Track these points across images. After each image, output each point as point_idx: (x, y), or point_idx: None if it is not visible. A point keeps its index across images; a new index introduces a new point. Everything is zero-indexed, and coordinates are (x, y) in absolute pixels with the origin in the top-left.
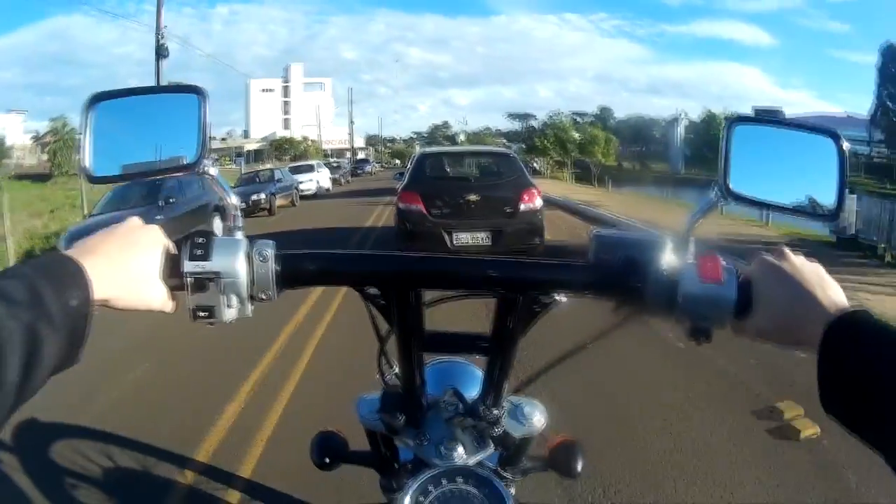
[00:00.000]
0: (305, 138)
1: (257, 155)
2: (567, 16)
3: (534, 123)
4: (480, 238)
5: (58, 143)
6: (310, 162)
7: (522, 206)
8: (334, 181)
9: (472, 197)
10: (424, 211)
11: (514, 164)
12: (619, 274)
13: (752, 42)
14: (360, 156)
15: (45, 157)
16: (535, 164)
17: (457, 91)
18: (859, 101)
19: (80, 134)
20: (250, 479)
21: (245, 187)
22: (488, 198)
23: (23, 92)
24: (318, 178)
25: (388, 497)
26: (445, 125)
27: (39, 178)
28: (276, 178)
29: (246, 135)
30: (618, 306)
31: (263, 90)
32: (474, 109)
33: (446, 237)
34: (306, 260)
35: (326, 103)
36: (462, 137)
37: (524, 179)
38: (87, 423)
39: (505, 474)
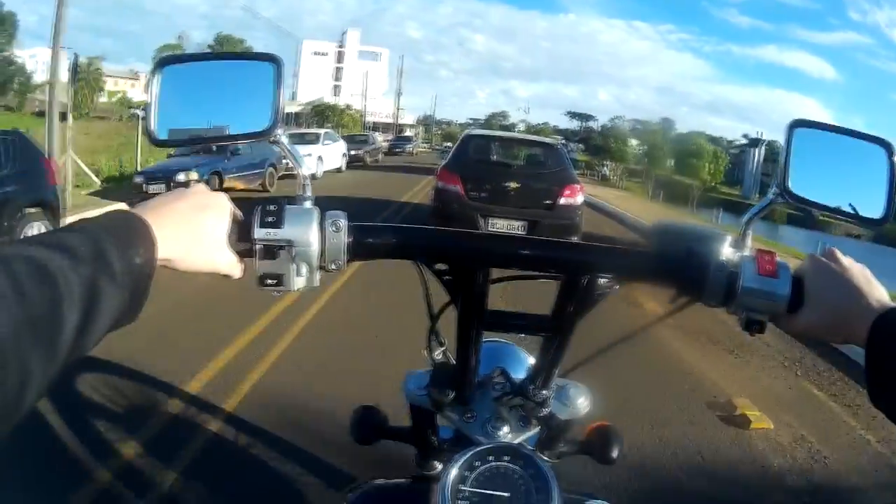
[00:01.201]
0: (349, 106)
1: (296, 118)
2: (636, 23)
3: (592, 125)
4: (515, 227)
5: (80, 82)
6: (315, 130)
7: (562, 200)
8: (354, 158)
9: (513, 184)
10: (461, 192)
11: (559, 157)
12: (682, 263)
13: (817, 74)
14: (407, 133)
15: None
16: (605, 169)
17: (517, 83)
18: None
19: (146, 98)
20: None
21: (180, 158)
22: (529, 187)
23: (81, 33)
24: (322, 154)
25: (427, 471)
26: (503, 114)
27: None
28: (235, 149)
29: (293, 97)
30: (676, 295)
31: (315, 53)
32: (533, 103)
33: (481, 221)
34: (380, 232)
35: (380, 74)
36: (522, 128)
37: (568, 173)
38: None
39: (543, 456)
